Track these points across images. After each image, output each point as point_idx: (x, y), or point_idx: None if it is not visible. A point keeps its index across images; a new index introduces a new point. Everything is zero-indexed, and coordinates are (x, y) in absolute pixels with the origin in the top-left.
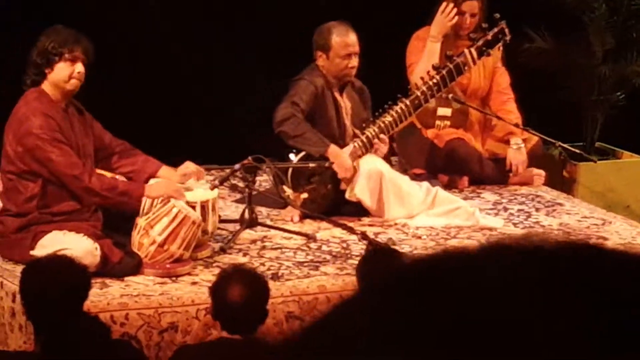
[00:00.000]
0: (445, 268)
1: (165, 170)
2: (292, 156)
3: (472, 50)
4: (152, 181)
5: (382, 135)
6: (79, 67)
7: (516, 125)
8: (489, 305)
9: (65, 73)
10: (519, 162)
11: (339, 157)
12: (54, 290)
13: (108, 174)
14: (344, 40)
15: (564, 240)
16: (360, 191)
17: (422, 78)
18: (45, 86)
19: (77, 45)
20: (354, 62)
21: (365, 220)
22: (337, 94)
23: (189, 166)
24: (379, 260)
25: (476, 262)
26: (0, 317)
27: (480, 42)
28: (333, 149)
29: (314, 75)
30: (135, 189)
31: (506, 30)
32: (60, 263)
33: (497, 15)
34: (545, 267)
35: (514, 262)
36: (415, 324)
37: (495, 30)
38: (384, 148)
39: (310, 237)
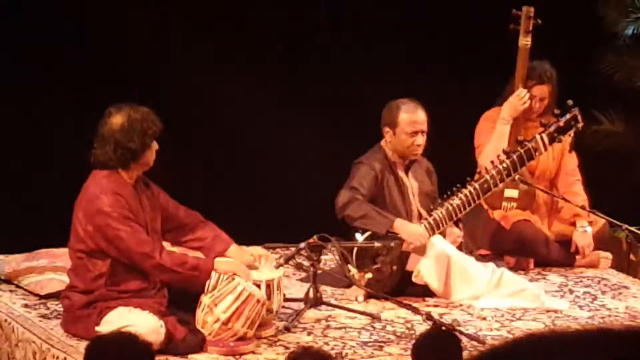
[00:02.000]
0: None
1: (234, 248)
2: (358, 235)
3: (544, 135)
4: (219, 259)
5: (456, 230)
6: (156, 144)
7: (582, 207)
8: None
9: (154, 154)
10: (584, 245)
11: (407, 227)
12: None
13: (175, 249)
14: (411, 117)
15: None
16: (427, 274)
17: (492, 162)
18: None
19: (160, 123)
20: (421, 140)
21: (430, 301)
22: (402, 174)
23: (257, 251)
24: (437, 343)
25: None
26: None
27: (552, 128)
28: (399, 221)
29: (374, 159)
30: (205, 264)
31: (579, 117)
32: (125, 340)
33: (571, 102)
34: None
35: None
36: None
37: (568, 117)
38: (458, 234)
39: (374, 317)
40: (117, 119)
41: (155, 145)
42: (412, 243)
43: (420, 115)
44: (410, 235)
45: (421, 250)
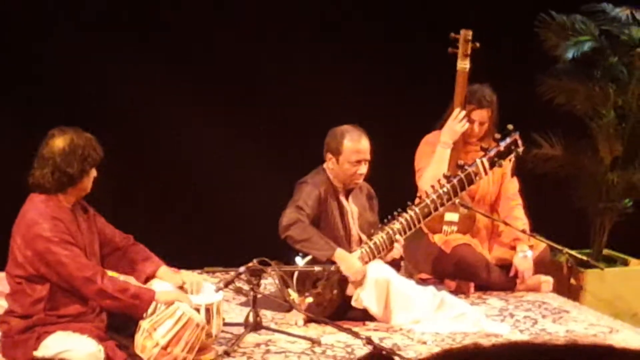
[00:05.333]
0: None
1: (164, 270)
2: (298, 260)
3: (484, 160)
4: (159, 284)
5: (398, 236)
6: (95, 171)
7: (523, 231)
8: None
9: (91, 180)
10: (524, 270)
11: (347, 260)
12: None
13: (117, 275)
14: (355, 146)
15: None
16: (367, 298)
17: (432, 186)
18: (64, 193)
19: (101, 150)
20: (363, 169)
21: (371, 325)
22: (343, 199)
23: (189, 277)
24: None
25: None
26: None
27: (492, 153)
28: (340, 252)
29: (318, 179)
30: (146, 293)
31: (519, 142)
32: None
33: (511, 127)
34: None
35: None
36: None
37: (509, 141)
38: (399, 249)
39: (314, 342)
40: (59, 142)
41: (93, 172)
42: (349, 277)
43: (364, 144)
44: (348, 269)
45: (358, 283)
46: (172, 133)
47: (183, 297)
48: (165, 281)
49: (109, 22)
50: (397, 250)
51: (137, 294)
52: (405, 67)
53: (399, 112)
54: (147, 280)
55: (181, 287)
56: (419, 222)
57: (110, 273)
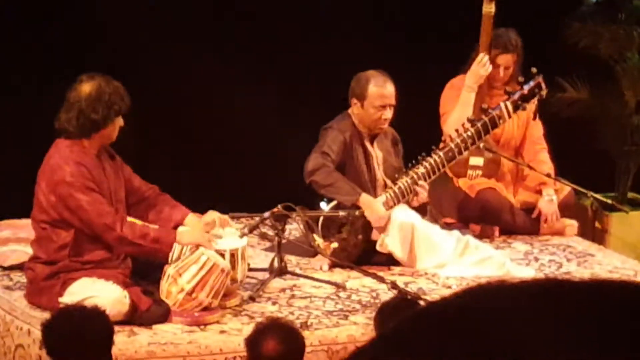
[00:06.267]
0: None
1: (191, 218)
2: (323, 205)
3: (508, 104)
4: (180, 229)
5: (421, 182)
6: (122, 120)
7: (548, 175)
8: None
9: (117, 128)
10: (549, 213)
11: (371, 205)
12: (75, 340)
13: (138, 222)
14: (380, 91)
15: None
16: (392, 243)
17: (456, 130)
18: (89, 139)
19: (129, 100)
20: (388, 114)
21: (396, 269)
22: (368, 144)
23: (212, 215)
24: (399, 311)
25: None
26: None
27: (516, 96)
28: (365, 197)
29: (343, 125)
30: (167, 236)
31: (543, 85)
32: (82, 313)
33: (535, 70)
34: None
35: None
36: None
37: (532, 84)
38: (424, 194)
39: (339, 286)
40: (86, 87)
41: (119, 122)
42: (372, 222)
43: (389, 89)
44: (372, 215)
45: (382, 229)
46: (193, 80)
47: (205, 237)
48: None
49: None
50: (423, 195)
51: (158, 238)
52: (430, 11)
53: (424, 57)
54: (174, 229)
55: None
56: (444, 166)
57: (130, 219)
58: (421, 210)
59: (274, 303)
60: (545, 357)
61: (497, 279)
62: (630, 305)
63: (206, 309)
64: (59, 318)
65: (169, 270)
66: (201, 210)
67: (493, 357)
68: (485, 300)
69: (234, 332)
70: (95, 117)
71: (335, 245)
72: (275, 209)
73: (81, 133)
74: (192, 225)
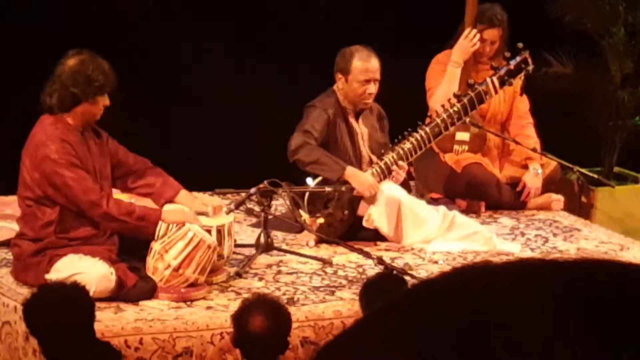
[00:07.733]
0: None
1: (183, 194)
2: (309, 180)
3: (494, 79)
4: (170, 206)
5: (400, 162)
6: (107, 99)
7: (534, 150)
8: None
9: (101, 106)
10: (533, 187)
11: (358, 176)
12: (56, 318)
13: (125, 196)
14: (364, 65)
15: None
16: (378, 218)
17: (442, 105)
18: (70, 114)
19: (114, 79)
20: (373, 88)
21: (382, 245)
22: (352, 120)
23: (206, 199)
24: (383, 286)
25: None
26: (14, 340)
27: (502, 72)
28: (350, 170)
29: (327, 102)
30: (152, 214)
31: (529, 60)
32: (62, 290)
33: (521, 45)
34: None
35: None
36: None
37: (518, 59)
38: (401, 175)
39: (326, 262)
40: (70, 61)
41: (104, 100)
42: (362, 193)
43: (374, 64)
44: (361, 185)
45: (371, 200)
46: (181, 58)
47: (190, 216)
48: (185, 206)
49: None
50: (399, 177)
51: (143, 216)
52: None
53: (410, 31)
54: (165, 204)
55: (201, 213)
56: (430, 141)
57: (119, 195)
58: (404, 186)
59: (260, 279)
60: (530, 339)
61: (482, 260)
62: (615, 286)
63: (193, 285)
64: (38, 296)
65: (156, 246)
66: (188, 185)
67: (479, 341)
68: (470, 283)
69: (221, 308)
70: (74, 90)
71: (321, 220)
72: (261, 185)
73: (61, 106)
74: (184, 203)
